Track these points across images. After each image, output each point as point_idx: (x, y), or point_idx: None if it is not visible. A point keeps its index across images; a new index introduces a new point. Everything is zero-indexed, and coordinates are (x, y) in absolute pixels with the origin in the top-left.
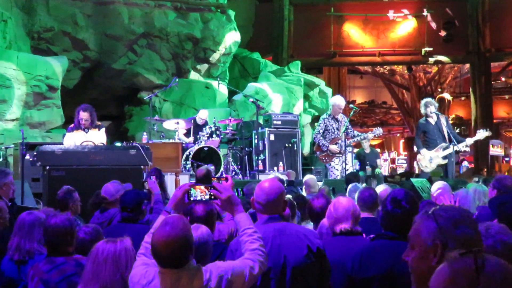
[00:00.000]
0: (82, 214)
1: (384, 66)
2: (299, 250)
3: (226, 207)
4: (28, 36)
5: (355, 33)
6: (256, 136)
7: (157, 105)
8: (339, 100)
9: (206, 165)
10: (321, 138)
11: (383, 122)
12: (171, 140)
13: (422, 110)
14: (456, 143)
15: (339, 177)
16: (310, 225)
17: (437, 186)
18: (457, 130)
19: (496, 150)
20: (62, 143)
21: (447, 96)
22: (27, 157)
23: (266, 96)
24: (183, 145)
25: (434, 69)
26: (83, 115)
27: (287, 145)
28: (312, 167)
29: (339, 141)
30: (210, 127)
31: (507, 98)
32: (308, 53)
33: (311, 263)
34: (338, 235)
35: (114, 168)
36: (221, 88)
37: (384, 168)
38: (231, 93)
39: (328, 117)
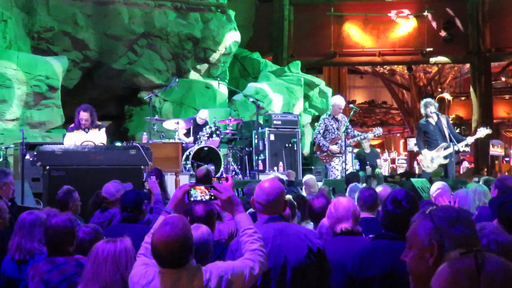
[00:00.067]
0: (82, 214)
1: (384, 66)
2: (299, 250)
3: (226, 207)
4: (28, 36)
5: (355, 33)
6: (256, 136)
7: (157, 105)
8: (339, 100)
9: (206, 165)
10: (321, 138)
11: (383, 122)
12: (171, 140)
13: (422, 111)
14: (456, 143)
15: (339, 177)
16: (310, 225)
17: (436, 187)
18: (457, 130)
19: (496, 150)
20: (62, 143)
21: (447, 96)
22: (27, 157)
23: (266, 96)
24: (183, 145)
25: (434, 69)
26: (84, 115)
27: (287, 145)
28: (312, 167)
29: (339, 141)
30: (210, 127)
31: (507, 98)
32: (308, 53)
33: (311, 263)
34: (338, 235)
35: (114, 168)
36: (221, 88)
37: (384, 168)
38: (231, 93)
39: (328, 117)
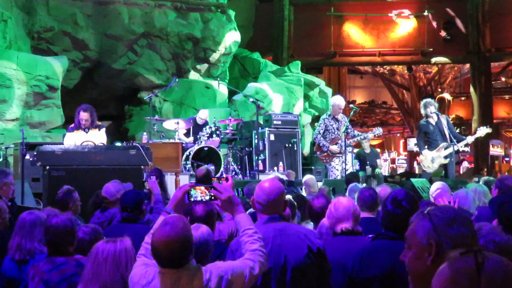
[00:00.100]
0: (82, 214)
1: (384, 66)
2: (299, 250)
3: (227, 208)
4: (28, 36)
5: (355, 33)
6: (256, 136)
7: (157, 105)
8: (339, 100)
9: (206, 165)
10: (321, 138)
11: (383, 122)
12: (171, 140)
13: (422, 111)
14: (456, 143)
15: (339, 177)
16: (310, 225)
17: (436, 187)
18: (457, 130)
19: (496, 150)
20: (62, 143)
21: (447, 96)
22: (27, 157)
23: (266, 96)
24: (183, 145)
25: (434, 69)
26: (84, 115)
27: (287, 145)
28: (312, 167)
29: (339, 141)
30: (210, 127)
31: (507, 98)
32: (308, 53)
33: (311, 263)
34: (339, 235)
35: (114, 168)
36: (221, 88)
37: (384, 168)
38: (231, 93)
39: (328, 117)
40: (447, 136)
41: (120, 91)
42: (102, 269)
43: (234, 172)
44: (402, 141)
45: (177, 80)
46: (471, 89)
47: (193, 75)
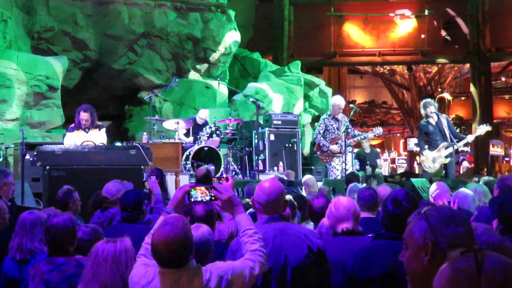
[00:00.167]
0: (82, 214)
1: (384, 66)
2: (299, 250)
3: (227, 208)
4: (28, 36)
5: (355, 33)
6: (256, 136)
7: (157, 105)
8: (339, 100)
9: (206, 165)
10: (322, 138)
11: (383, 122)
12: (171, 140)
13: (422, 111)
14: (456, 142)
15: (339, 177)
16: (310, 225)
17: (435, 187)
18: (457, 130)
19: (496, 150)
20: (62, 143)
21: (447, 96)
22: (27, 157)
23: (266, 96)
24: (183, 145)
25: (434, 69)
26: (84, 115)
27: (287, 145)
28: (312, 167)
29: (339, 141)
30: (210, 127)
31: (507, 98)
32: (308, 53)
33: (311, 263)
34: (339, 234)
35: (114, 168)
36: (221, 88)
37: (384, 168)
38: (231, 93)
39: (328, 117)
40: (448, 136)
41: (120, 91)
42: (102, 269)
43: (234, 172)
44: (402, 141)
45: (177, 80)
46: (471, 89)
47: (193, 75)
